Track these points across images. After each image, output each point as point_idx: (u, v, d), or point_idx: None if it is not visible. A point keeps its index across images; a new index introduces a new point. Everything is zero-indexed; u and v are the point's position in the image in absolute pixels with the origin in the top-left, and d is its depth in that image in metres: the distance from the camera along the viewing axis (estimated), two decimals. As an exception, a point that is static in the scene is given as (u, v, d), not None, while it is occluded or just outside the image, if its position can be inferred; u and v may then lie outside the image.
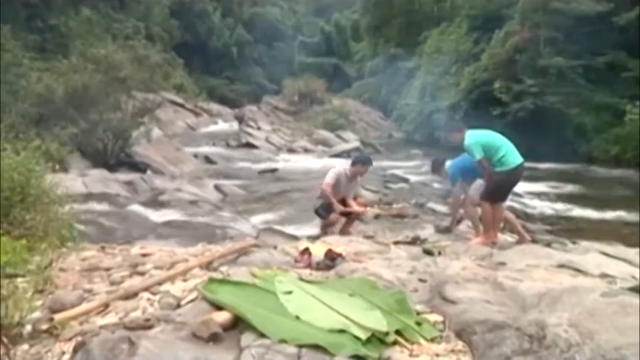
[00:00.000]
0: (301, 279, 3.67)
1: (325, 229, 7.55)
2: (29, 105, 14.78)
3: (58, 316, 3.11)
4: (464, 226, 7.84)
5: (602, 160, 20.88)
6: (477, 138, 6.32)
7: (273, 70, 55.43)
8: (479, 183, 6.78)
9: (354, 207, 7.56)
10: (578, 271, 4.52)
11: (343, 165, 7.81)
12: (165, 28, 46.31)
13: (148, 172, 15.02)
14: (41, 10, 27.98)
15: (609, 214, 11.70)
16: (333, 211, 7.38)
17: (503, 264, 4.79)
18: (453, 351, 2.85)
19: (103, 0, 35.66)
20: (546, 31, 24.13)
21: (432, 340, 2.92)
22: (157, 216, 10.20)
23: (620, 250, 6.27)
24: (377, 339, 2.79)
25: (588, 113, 22.60)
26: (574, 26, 23.37)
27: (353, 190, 7.67)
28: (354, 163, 7.56)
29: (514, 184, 6.64)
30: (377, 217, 10.56)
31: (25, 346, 2.96)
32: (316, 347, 2.69)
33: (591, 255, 5.83)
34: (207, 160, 19.85)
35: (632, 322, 2.57)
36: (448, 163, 7.43)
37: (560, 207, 12.75)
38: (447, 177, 7.37)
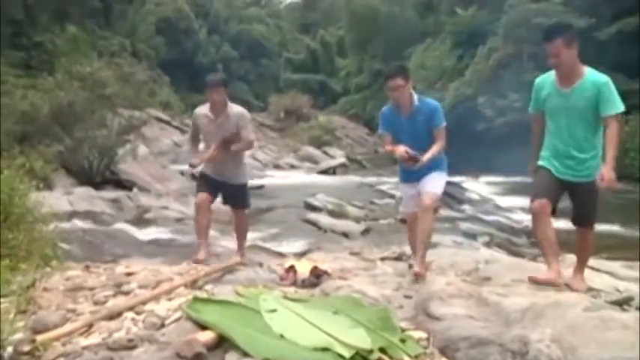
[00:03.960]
0: (286, 297, 3.66)
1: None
2: (14, 122, 14.70)
3: (40, 337, 3.08)
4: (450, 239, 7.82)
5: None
6: None
7: (259, 86, 55.62)
8: (435, 178, 4.85)
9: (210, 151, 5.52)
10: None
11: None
12: (151, 45, 46.29)
13: (134, 189, 14.95)
14: (26, 27, 27.90)
15: (595, 227, 11.77)
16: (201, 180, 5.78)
17: (488, 279, 4.81)
18: (437, 368, 2.86)
19: (88, 17, 35.59)
20: (529, 47, 24.43)
21: (416, 357, 2.92)
22: (143, 234, 10.15)
23: (604, 263, 6.31)
24: (361, 357, 2.78)
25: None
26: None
27: (224, 129, 5.51)
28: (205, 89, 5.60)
29: None
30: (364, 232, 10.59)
31: (6, 369, 2.93)
32: (300, 366, 2.68)
33: (575, 268, 5.86)
34: (194, 177, 19.78)
35: (613, 337, 2.60)
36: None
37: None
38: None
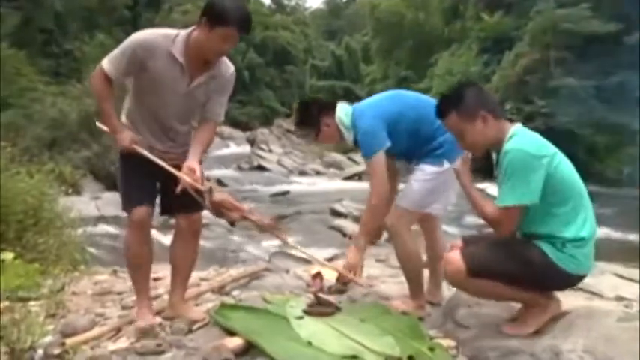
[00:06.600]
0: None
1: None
2: (43, 129, 14.99)
3: (69, 341, 3.11)
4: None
5: (614, 180, 20.71)
6: None
7: (285, 93, 55.76)
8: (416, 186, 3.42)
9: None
10: (593, 293, 4.47)
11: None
12: (178, 52, 46.80)
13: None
14: (57, 35, 28.42)
15: (623, 235, 11.59)
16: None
17: (516, 287, 4.74)
18: (466, 377, 2.82)
19: (116, 25, 36.11)
20: (556, 52, 24.17)
21: (446, 365, 2.89)
22: (169, 239, 10.19)
23: (634, 271, 6.18)
24: (389, 364, 2.76)
25: (600, 133, 22.50)
26: (584, 46, 23.39)
27: (195, 96, 3.14)
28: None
29: None
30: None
31: (36, 372, 2.96)
32: (328, 373, 2.67)
33: (605, 277, 5.76)
34: (219, 183, 19.92)
35: (649, 348, 2.53)
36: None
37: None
38: None
